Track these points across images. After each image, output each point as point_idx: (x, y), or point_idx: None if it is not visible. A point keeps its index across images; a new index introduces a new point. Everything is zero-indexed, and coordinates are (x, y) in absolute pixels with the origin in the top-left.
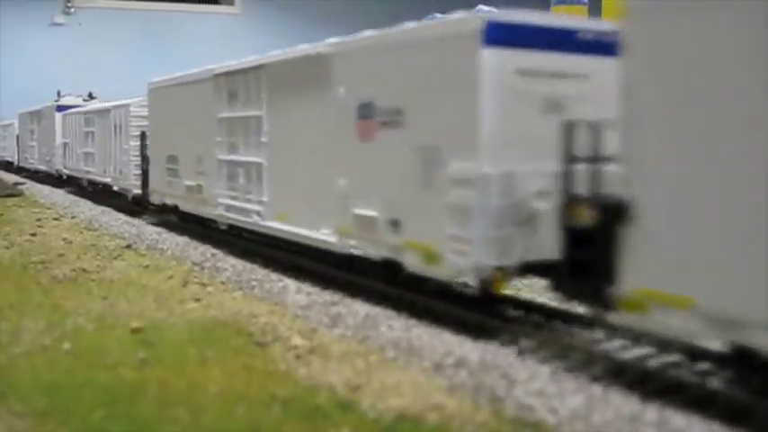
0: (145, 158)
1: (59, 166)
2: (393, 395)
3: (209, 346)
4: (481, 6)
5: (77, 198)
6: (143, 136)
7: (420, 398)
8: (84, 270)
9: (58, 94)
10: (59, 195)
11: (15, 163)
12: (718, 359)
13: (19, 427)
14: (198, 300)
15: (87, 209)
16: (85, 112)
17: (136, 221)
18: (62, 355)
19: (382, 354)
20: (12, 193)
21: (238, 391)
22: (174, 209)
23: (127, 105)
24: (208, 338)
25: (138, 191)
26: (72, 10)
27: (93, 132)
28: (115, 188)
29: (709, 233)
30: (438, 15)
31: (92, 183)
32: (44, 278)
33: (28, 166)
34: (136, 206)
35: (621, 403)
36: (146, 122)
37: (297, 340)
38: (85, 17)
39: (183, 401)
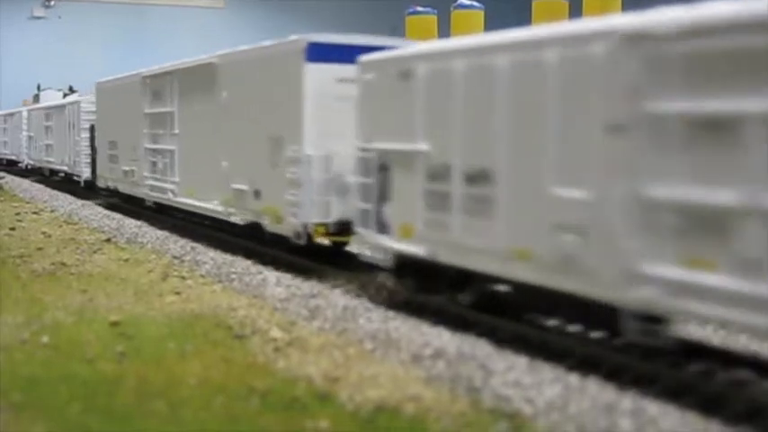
0: None
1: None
2: (371, 387)
3: (188, 340)
4: (462, 0)
5: (57, 192)
6: None
7: (398, 389)
8: (63, 264)
9: (38, 87)
10: (39, 189)
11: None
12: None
13: None
14: (177, 293)
15: (67, 203)
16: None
17: (116, 215)
18: (40, 348)
19: (360, 346)
20: None
21: (217, 384)
22: None
23: None
24: (187, 332)
25: None
26: (52, 3)
27: None
28: None
29: None
30: (419, 9)
31: None
32: (23, 272)
33: (129, 189)
34: None
35: (598, 393)
36: None
37: (275, 333)
38: (65, 10)
39: (161, 394)
